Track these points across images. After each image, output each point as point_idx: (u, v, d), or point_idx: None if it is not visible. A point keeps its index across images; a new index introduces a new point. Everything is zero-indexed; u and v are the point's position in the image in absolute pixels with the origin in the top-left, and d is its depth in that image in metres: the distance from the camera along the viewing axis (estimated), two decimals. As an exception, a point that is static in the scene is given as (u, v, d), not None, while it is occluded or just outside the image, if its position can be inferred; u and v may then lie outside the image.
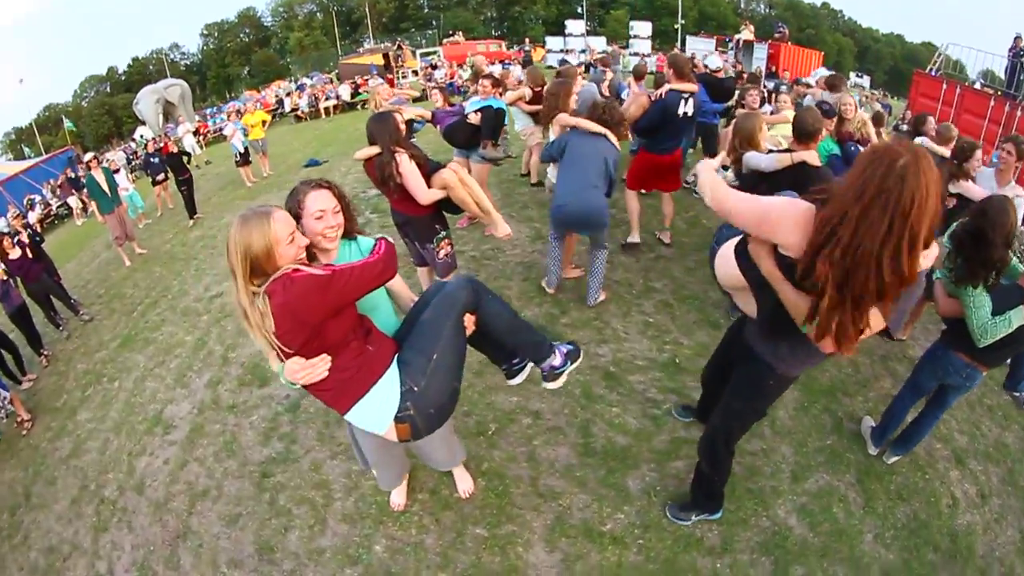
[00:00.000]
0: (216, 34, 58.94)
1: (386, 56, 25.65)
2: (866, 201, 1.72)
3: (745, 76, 10.13)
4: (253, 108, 15.28)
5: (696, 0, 47.05)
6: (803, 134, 4.28)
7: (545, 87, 6.84)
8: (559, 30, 51.73)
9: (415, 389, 2.33)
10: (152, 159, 11.80)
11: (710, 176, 2.33)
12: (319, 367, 2.18)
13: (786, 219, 1.98)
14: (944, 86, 17.08)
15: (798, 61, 23.58)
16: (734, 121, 5.01)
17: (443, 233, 4.63)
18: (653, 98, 5.94)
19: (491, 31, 53.49)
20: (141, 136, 20.66)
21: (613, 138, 4.78)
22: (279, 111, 24.19)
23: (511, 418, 4.08)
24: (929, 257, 1.88)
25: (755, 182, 4.41)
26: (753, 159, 4.44)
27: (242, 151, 12.34)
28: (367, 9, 52.06)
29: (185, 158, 11.58)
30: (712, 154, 7.64)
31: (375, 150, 4.21)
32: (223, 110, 27.07)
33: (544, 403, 4.17)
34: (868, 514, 3.39)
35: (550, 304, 5.42)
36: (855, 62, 53.58)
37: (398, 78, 23.65)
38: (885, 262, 1.74)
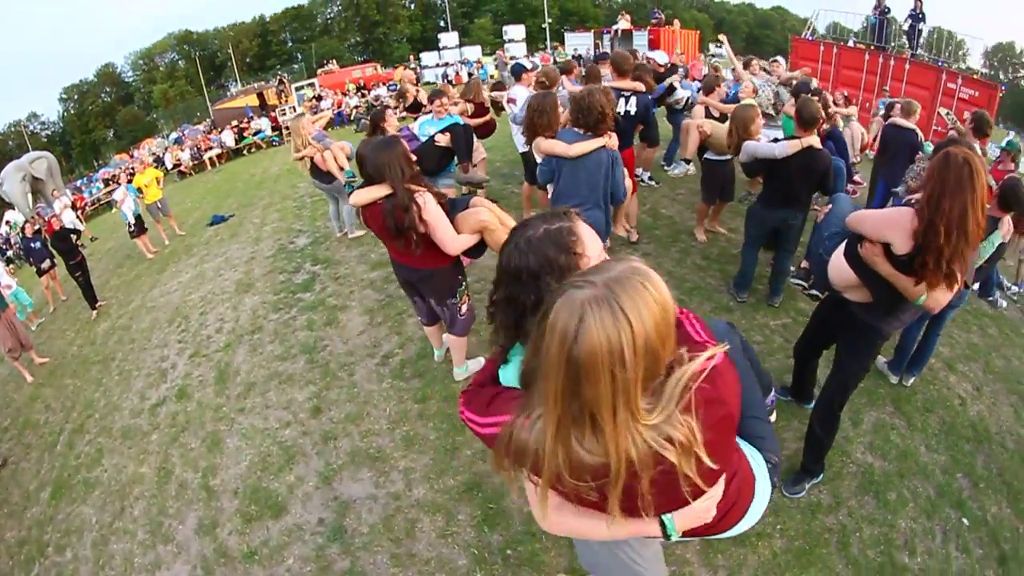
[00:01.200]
0: (76, 97, 53.68)
1: (261, 96, 23.88)
2: (951, 196, 2.40)
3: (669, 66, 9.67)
4: (142, 167, 13.34)
5: None
6: (806, 121, 4.60)
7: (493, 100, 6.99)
8: (426, 46, 51.98)
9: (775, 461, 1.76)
10: (33, 244, 10.06)
11: (848, 206, 3.18)
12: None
13: (899, 226, 2.58)
14: (822, 47, 19.21)
15: (682, 41, 23.72)
16: (732, 112, 5.30)
17: (464, 284, 3.81)
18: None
19: (356, 56, 51.93)
20: (11, 221, 18.16)
21: (610, 141, 4.05)
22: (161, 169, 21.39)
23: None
24: None
25: (759, 167, 4.90)
26: (763, 148, 4.74)
27: (134, 220, 10.45)
28: (231, 51, 49.66)
29: (74, 236, 9.53)
30: (651, 144, 7.68)
31: (382, 191, 3.23)
32: (94, 179, 24.57)
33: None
34: (913, 431, 4.03)
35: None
36: (713, 34, 55.85)
37: (280, 116, 22.02)
38: (971, 236, 2.44)
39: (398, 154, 3.22)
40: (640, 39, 25.02)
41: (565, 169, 4.05)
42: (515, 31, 39.39)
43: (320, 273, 6.95)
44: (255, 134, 20.84)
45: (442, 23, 63.91)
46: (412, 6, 64.95)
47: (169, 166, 20.51)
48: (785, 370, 4.22)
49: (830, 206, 3.30)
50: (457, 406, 1.62)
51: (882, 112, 9.29)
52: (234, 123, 21.82)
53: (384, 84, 26.36)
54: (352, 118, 21.42)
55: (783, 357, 4.50)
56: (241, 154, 20.69)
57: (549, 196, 4.54)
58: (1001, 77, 30.94)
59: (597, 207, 4.05)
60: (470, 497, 3.53)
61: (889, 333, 3.10)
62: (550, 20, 45.00)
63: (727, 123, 5.48)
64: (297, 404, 4.67)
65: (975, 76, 18.84)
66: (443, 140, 5.44)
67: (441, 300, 3.78)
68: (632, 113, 6.10)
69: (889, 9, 18.76)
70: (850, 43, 20.56)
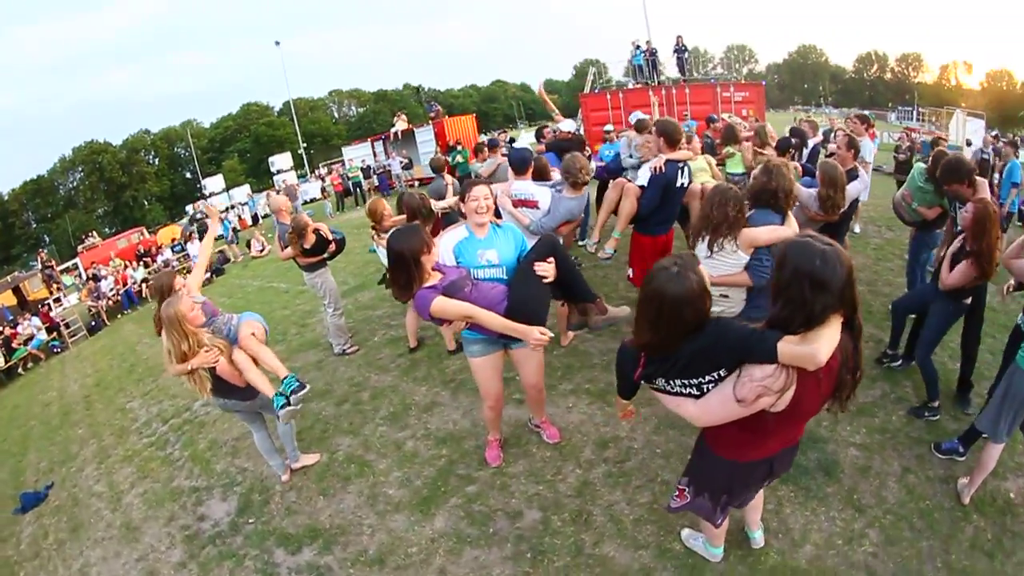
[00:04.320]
0: None
1: (18, 290, 18.30)
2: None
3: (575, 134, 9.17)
4: None
5: (296, 126, 47.14)
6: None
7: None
8: (176, 203, 48.29)
9: None
10: None
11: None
12: None
13: None
14: (608, 96, 20.43)
15: (460, 128, 26.29)
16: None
17: None
18: (654, 171, 5.11)
19: (107, 227, 45.62)
20: None
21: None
22: None
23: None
24: None
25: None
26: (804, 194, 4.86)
27: None
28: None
29: None
30: None
31: None
32: None
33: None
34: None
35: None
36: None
37: (53, 305, 16.90)
38: None
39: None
40: (425, 135, 25.78)
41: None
42: (281, 160, 38.42)
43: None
44: (27, 343, 14.47)
45: (188, 174, 60.47)
46: (157, 161, 59.99)
47: None
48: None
49: None
50: None
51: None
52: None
53: (153, 248, 22.08)
54: (137, 298, 17.04)
55: None
56: (14, 376, 13.80)
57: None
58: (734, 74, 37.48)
59: None
60: None
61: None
62: (305, 145, 44.21)
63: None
64: None
65: (741, 81, 23.98)
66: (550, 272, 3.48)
67: None
68: (686, 185, 5.38)
69: (656, 50, 22.29)
70: (629, 85, 23.07)
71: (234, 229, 24.22)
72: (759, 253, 3.65)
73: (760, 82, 22.72)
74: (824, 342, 1.98)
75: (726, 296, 3.81)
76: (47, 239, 48.02)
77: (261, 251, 18.10)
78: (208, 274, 16.70)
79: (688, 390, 2.31)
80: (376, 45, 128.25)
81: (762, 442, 2.41)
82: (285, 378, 4.22)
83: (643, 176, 5.41)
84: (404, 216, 5.97)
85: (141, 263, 19.83)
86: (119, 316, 16.39)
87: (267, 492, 5.02)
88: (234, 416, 5.45)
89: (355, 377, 6.76)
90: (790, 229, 3.62)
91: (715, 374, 2.21)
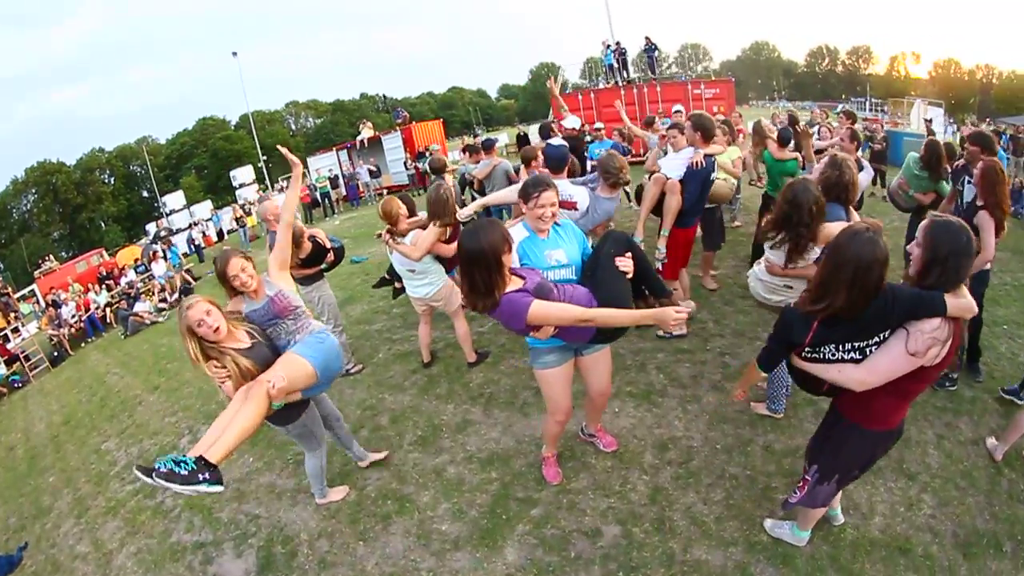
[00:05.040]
0: None
1: None
2: None
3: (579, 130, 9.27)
4: None
5: (255, 139, 46.12)
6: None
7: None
8: (135, 222, 46.96)
9: None
10: None
11: None
12: None
13: None
14: (580, 96, 21.77)
15: (428, 133, 26.48)
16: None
17: None
18: (693, 165, 5.14)
19: (64, 252, 43.70)
20: None
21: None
22: None
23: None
24: None
25: None
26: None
27: None
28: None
29: None
30: None
31: None
32: None
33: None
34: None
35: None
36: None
37: (11, 335, 15.60)
38: None
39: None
40: (392, 142, 25.74)
41: None
42: (243, 174, 37.24)
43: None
44: None
45: (145, 193, 58.94)
46: (112, 180, 58.15)
47: None
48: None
49: None
50: None
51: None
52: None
53: (116, 270, 20.87)
54: (115, 316, 15.91)
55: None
56: None
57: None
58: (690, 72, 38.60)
59: None
60: None
61: None
62: (265, 158, 43.60)
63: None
64: None
65: (712, 78, 24.90)
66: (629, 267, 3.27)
67: None
68: (715, 178, 5.62)
69: (626, 50, 23.25)
70: (601, 85, 24.00)
71: (198, 246, 23.25)
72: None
73: (729, 78, 22.98)
74: (970, 296, 2.37)
75: (790, 287, 3.85)
76: (1, 266, 45.84)
77: (231, 268, 17.02)
78: (176, 294, 15.91)
79: (852, 355, 2.50)
80: (330, 55, 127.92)
81: (903, 406, 2.67)
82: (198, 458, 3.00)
83: (671, 170, 5.31)
84: (419, 218, 5.57)
85: (103, 286, 18.61)
86: (83, 344, 15.17)
87: (291, 543, 4.31)
88: (243, 455, 4.69)
89: (367, 399, 6.05)
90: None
91: (879, 336, 2.43)
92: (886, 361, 2.41)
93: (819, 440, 2.95)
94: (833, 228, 3.44)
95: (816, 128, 9.65)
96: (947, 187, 5.33)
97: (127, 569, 4.66)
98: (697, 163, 5.11)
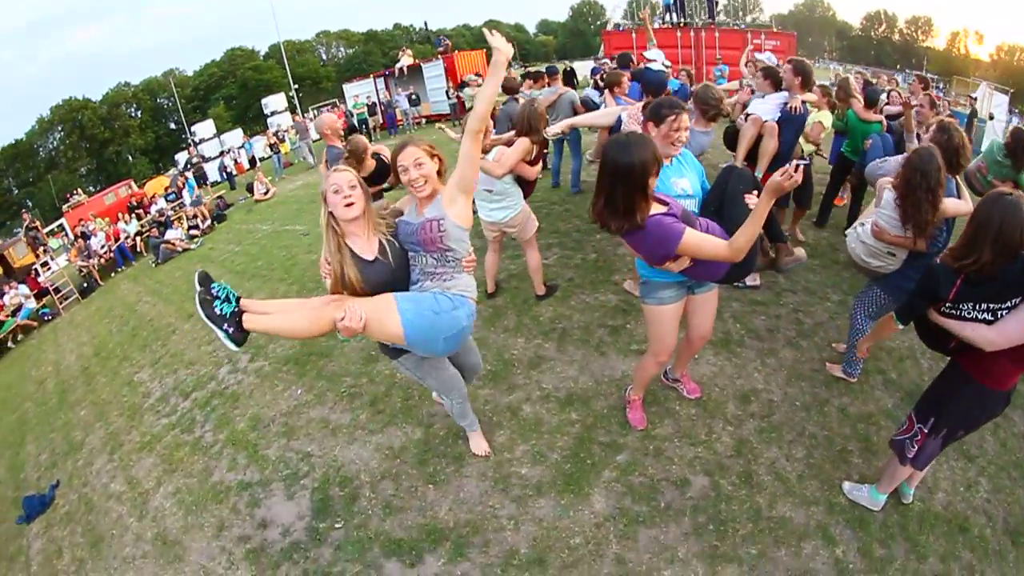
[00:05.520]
0: None
1: (1, 259, 16.47)
2: None
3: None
4: None
5: (286, 68, 45.05)
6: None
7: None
8: (163, 155, 46.68)
9: None
10: None
11: None
12: None
13: None
14: (634, 35, 20.82)
15: (470, 63, 24.61)
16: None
17: None
18: (791, 110, 5.02)
19: (92, 186, 43.49)
20: None
21: None
22: None
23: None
24: None
25: None
26: None
27: None
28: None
29: None
30: None
31: None
32: None
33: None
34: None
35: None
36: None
37: (41, 270, 15.19)
38: None
39: None
40: (433, 70, 24.43)
41: None
42: (276, 101, 36.48)
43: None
44: (15, 313, 12.76)
45: (173, 125, 58.48)
46: (139, 114, 57.62)
47: None
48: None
49: None
50: None
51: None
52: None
53: (145, 200, 20.40)
54: (146, 245, 15.42)
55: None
56: (4, 352, 11.85)
57: None
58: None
59: None
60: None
61: None
62: (296, 86, 43.28)
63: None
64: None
65: (773, 29, 23.45)
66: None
67: None
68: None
69: None
70: (656, 24, 21.90)
71: (230, 174, 22.72)
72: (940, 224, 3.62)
73: (792, 32, 21.89)
74: None
75: (892, 255, 3.72)
76: (30, 204, 45.78)
77: (265, 194, 16.46)
78: (208, 221, 15.36)
79: (985, 316, 2.56)
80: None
81: (1019, 371, 2.70)
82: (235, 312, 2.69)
83: (765, 112, 5.16)
84: (504, 136, 5.06)
85: (134, 216, 18.08)
86: (112, 275, 14.68)
87: (350, 484, 3.78)
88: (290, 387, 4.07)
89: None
90: (969, 205, 3.53)
91: (1013, 300, 2.50)
92: (1016, 325, 2.51)
93: (934, 393, 3.00)
94: (947, 205, 3.46)
95: (886, 92, 8.52)
96: None
97: (165, 510, 4.14)
98: (795, 108, 5.01)
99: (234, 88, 61.67)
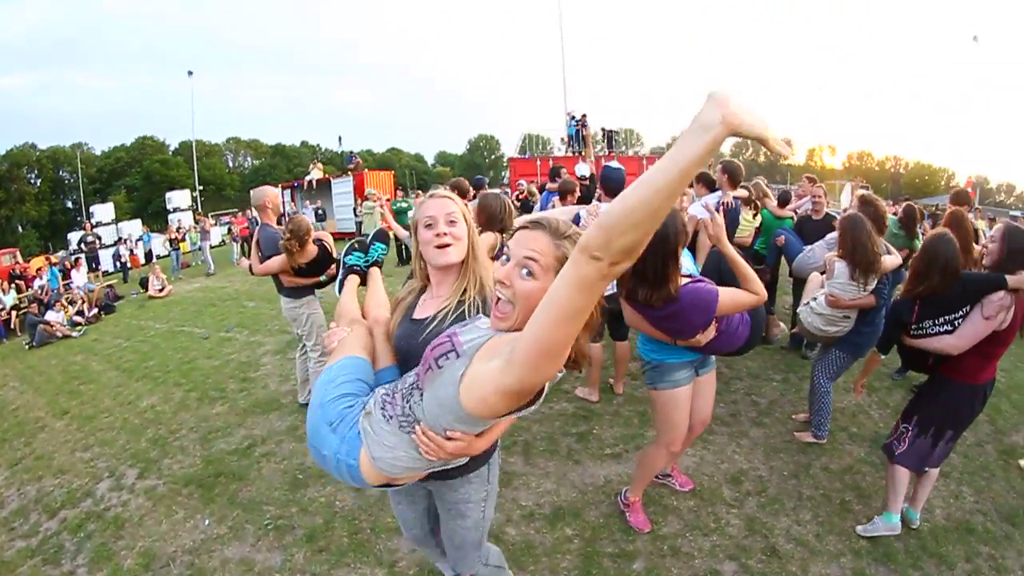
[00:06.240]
0: None
1: None
2: None
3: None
4: None
5: (194, 168, 44.69)
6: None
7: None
8: (54, 232, 44.43)
9: None
10: None
11: None
12: None
13: None
14: (538, 162, 22.86)
15: (379, 183, 25.40)
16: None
17: None
18: (722, 208, 5.51)
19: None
20: None
21: None
22: None
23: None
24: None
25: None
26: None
27: None
28: None
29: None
30: None
31: None
32: None
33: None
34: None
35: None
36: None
37: None
38: None
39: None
40: (342, 186, 25.24)
41: None
42: (179, 197, 36.78)
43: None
44: None
45: (70, 204, 55.93)
46: (39, 182, 54.63)
47: None
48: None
49: None
50: None
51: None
52: None
53: (29, 272, 18.68)
54: (21, 323, 13.64)
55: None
56: None
57: None
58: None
59: None
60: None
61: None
62: (201, 187, 43.89)
63: None
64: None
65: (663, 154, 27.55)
66: None
67: None
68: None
69: (587, 123, 23.85)
70: (557, 153, 26.05)
71: (124, 264, 21.32)
72: (883, 278, 4.26)
73: None
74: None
75: (848, 317, 4.32)
76: None
77: (160, 291, 15.45)
78: (96, 310, 13.94)
79: (945, 327, 3.20)
80: (277, 98, 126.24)
81: (990, 365, 3.28)
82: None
83: (697, 212, 5.49)
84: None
85: (13, 286, 16.14)
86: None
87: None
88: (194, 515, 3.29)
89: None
90: (898, 259, 4.46)
91: (962, 310, 3.15)
92: (970, 327, 3.14)
93: (917, 398, 3.58)
94: (887, 260, 4.20)
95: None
96: (919, 244, 5.68)
97: None
98: (727, 204, 5.57)
99: (138, 179, 60.81)
